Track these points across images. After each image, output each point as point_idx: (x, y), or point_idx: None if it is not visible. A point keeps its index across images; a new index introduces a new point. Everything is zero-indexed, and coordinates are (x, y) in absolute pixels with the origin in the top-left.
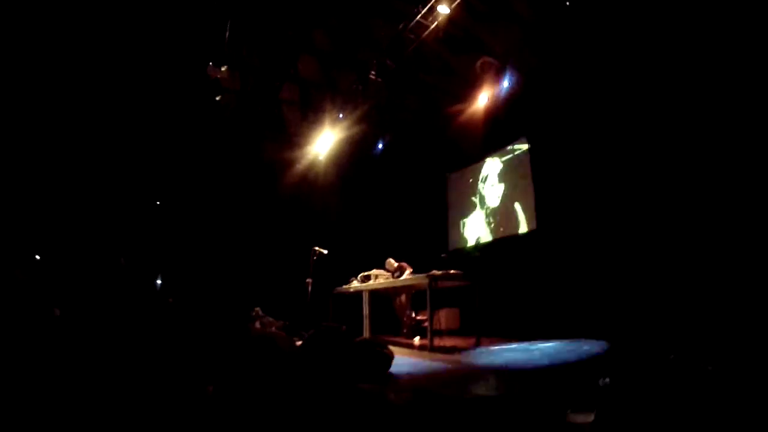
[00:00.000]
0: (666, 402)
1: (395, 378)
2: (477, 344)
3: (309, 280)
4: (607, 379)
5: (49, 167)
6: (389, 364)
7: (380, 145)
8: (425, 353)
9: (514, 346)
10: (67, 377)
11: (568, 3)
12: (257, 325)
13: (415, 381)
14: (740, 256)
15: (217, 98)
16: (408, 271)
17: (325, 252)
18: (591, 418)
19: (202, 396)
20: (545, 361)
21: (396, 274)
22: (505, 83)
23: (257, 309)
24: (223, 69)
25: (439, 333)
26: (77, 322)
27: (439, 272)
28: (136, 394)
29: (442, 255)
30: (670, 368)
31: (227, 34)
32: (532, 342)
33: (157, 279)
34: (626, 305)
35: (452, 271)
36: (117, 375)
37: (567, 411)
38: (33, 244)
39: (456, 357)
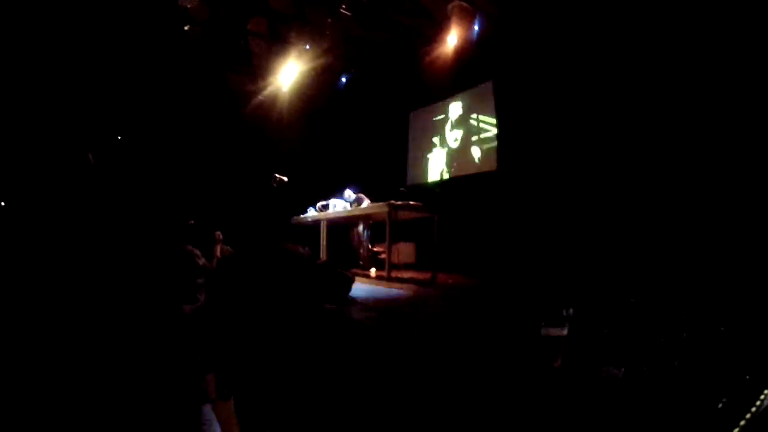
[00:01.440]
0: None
1: (356, 300)
2: (434, 278)
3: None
4: (571, 310)
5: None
6: (350, 287)
7: (345, 79)
8: (383, 282)
9: None
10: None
11: None
12: (218, 250)
13: (376, 302)
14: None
15: (186, 28)
16: (366, 202)
17: (285, 179)
18: (565, 331)
19: (178, 316)
20: None
21: (354, 205)
22: (476, 27)
23: (218, 233)
24: None
25: (396, 267)
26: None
27: (399, 202)
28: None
29: (401, 189)
30: (630, 311)
31: None
32: None
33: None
34: (588, 248)
35: (412, 202)
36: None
37: (541, 324)
38: None
39: (412, 286)
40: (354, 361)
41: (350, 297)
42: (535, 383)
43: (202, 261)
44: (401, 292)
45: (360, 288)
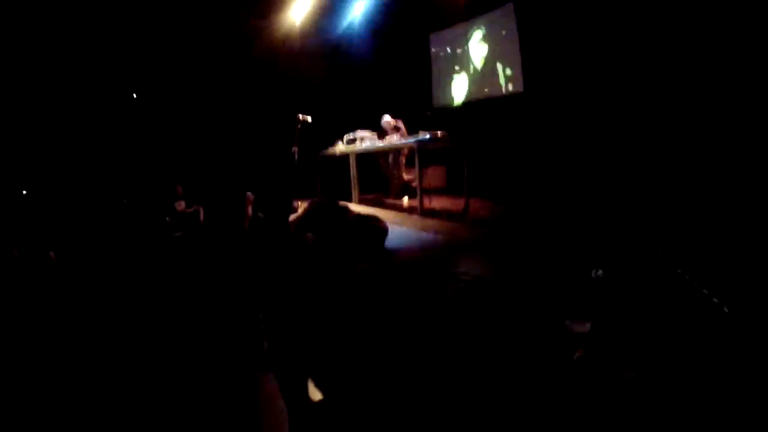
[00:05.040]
0: (654, 305)
1: (390, 253)
2: (466, 207)
3: (295, 148)
4: (600, 272)
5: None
6: (384, 239)
7: (361, 6)
8: (415, 218)
9: None
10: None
11: None
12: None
13: (409, 257)
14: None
15: None
16: (402, 129)
17: (309, 119)
18: (588, 327)
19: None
20: None
21: (391, 132)
22: None
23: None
24: None
25: (427, 191)
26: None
27: (427, 135)
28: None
29: (428, 112)
30: (658, 266)
31: None
32: None
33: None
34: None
35: (439, 134)
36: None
37: (564, 320)
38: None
39: (446, 224)
40: (382, 325)
41: (385, 248)
42: (554, 371)
43: None
44: (434, 236)
45: (393, 233)
